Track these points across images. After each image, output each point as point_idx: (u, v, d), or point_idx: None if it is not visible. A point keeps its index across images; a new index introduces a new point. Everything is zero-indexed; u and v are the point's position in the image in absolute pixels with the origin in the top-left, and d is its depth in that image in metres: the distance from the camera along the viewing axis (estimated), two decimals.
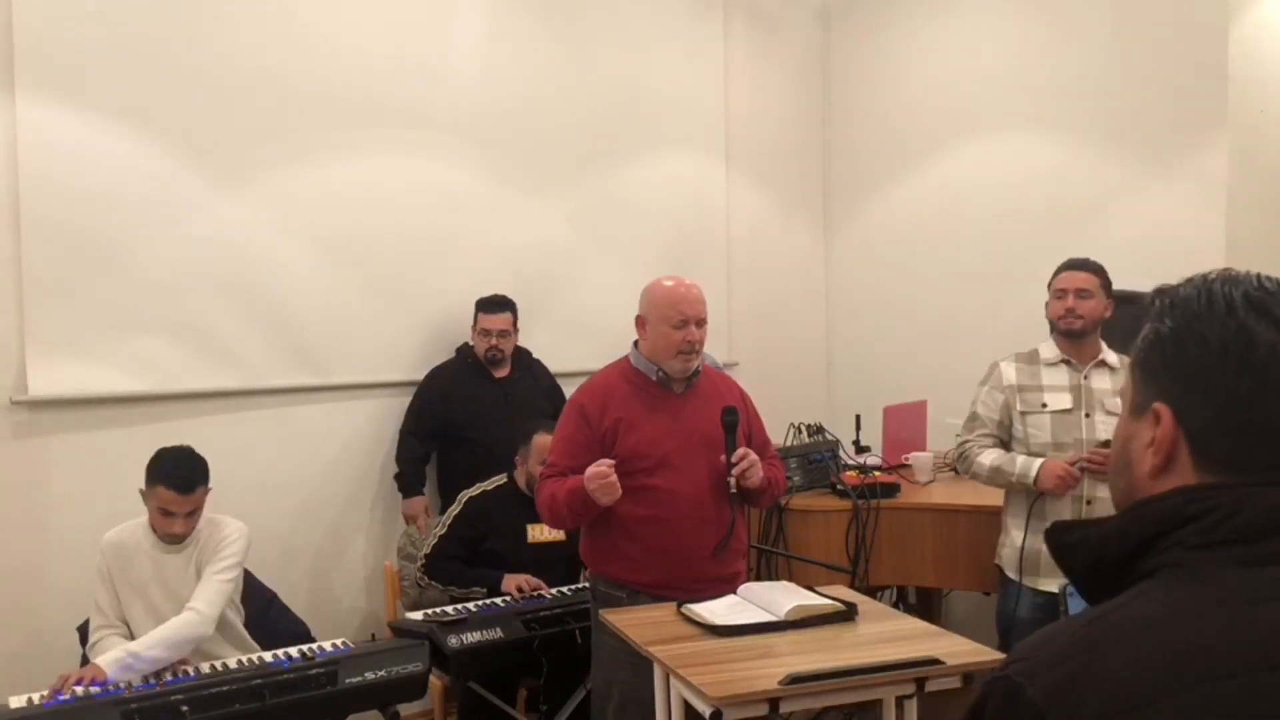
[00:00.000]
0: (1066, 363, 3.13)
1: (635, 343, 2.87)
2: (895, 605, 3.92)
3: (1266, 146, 4.12)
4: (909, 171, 5.19)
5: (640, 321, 2.83)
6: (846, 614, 2.46)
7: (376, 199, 4.06)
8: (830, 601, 2.50)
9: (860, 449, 4.25)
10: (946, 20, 5.01)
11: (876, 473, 3.86)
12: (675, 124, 4.97)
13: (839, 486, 3.75)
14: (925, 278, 5.08)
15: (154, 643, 2.73)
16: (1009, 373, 3.19)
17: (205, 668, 2.75)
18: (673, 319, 2.75)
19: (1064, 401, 3.09)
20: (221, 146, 3.70)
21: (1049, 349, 3.18)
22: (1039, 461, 3.03)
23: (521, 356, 4.22)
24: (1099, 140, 4.41)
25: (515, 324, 4.12)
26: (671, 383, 2.80)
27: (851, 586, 3.06)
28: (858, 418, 4.40)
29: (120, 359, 3.51)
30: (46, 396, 3.38)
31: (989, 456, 3.13)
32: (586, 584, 3.07)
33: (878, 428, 4.24)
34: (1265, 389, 0.81)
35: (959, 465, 3.32)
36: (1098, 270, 3.13)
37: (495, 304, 4.09)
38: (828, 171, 5.60)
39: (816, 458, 3.89)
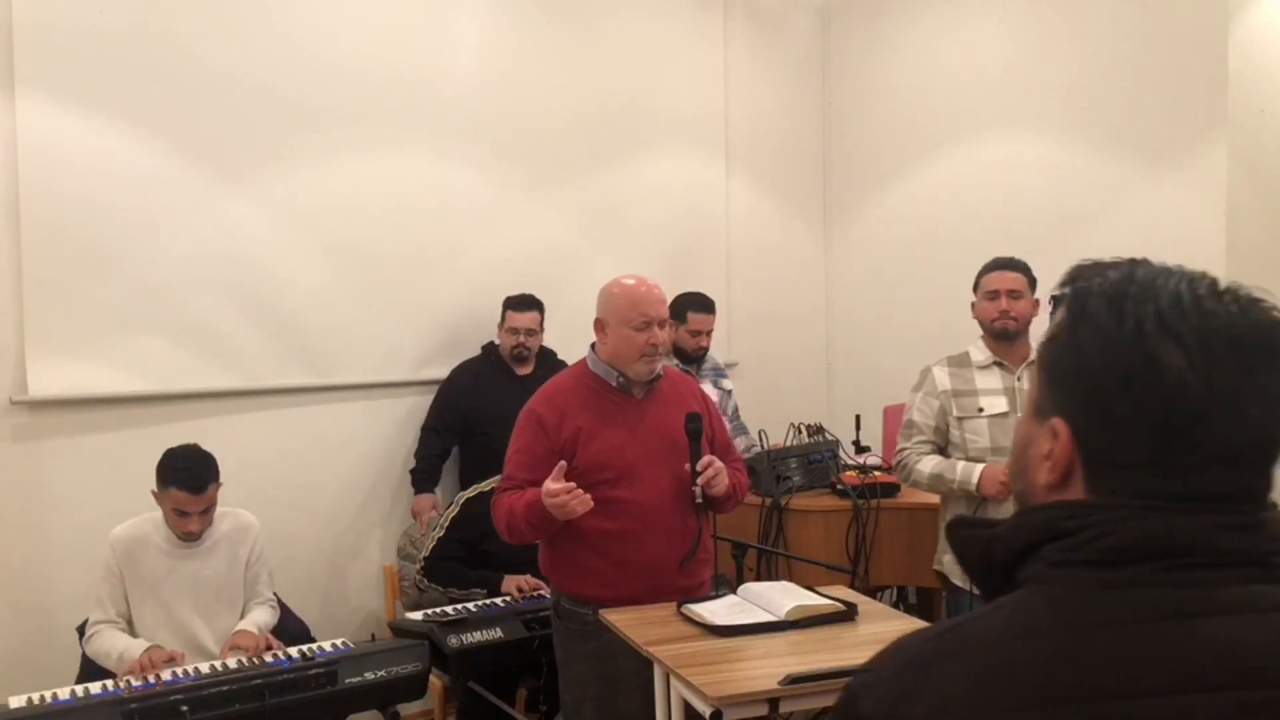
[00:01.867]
0: (999, 365, 3.10)
1: (592, 346, 2.76)
2: (895, 605, 3.92)
3: (1266, 146, 4.11)
4: (909, 171, 5.19)
5: (599, 324, 2.71)
6: (846, 614, 2.46)
7: (377, 200, 4.07)
8: (830, 601, 2.50)
9: (860, 449, 4.25)
10: (946, 20, 5.01)
11: (876, 473, 3.86)
12: (675, 124, 4.98)
13: (839, 486, 3.75)
14: (925, 278, 5.07)
15: (265, 625, 3.00)
16: (942, 378, 3.15)
17: (205, 668, 2.75)
18: (635, 321, 2.63)
19: (1000, 405, 3.05)
20: (222, 147, 3.70)
21: (980, 351, 3.14)
22: (979, 468, 3.00)
23: (546, 356, 4.23)
24: (1099, 140, 4.41)
25: (542, 323, 4.14)
26: (632, 387, 2.70)
27: (851, 586, 3.05)
28: (858, 418, 4.40)
29: (120, 359, 3.51)
30: (46, 397, 3.38)
31: (928, 464, 3.09)
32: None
33: (878, 428, 4.24)
34: (1168, 423, 0.75)
35: (899, 474, 3.28)
36: (1025, 269, 3.09)
37: (524, 302, 4.11)
38: (828, 171, 5.60)
39: (816, 458, 3.89)
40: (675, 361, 4.19)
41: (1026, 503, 0.85)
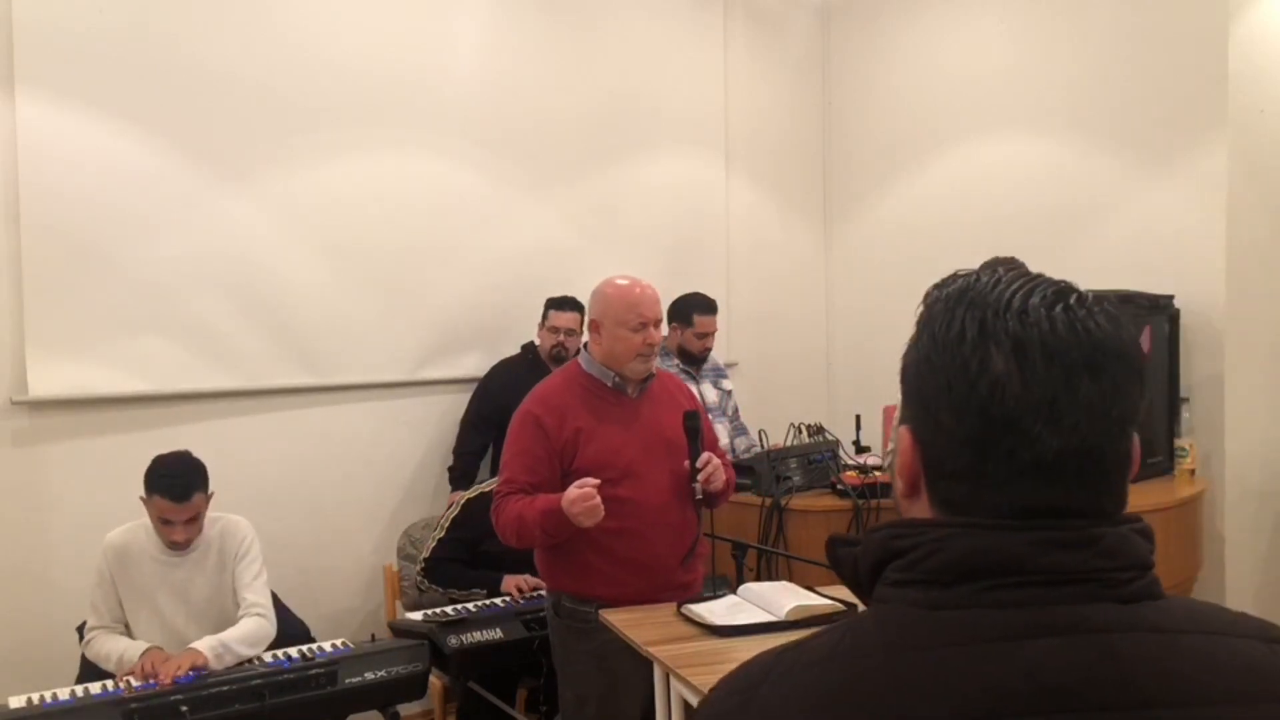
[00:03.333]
0: None
1: (585, 345, 2.78)
2: None
3: (1266, 146, 4.11)
4: (909, 171, 5.19)
5: (594, 325, 2.72)
6: (846, 614, 2.46)
7: (377, 199, 4.07)
8: (830, 601, 2.50)
9: (860, 449, 4.24)
10: (946, 20, 5.01)
11: (877, 473, 3.85)
12: (675, 124, 4.97)
13: (839, 486, 3.74)
14: (925, 277, 4.98)
15: (240, 639, 2.82)
16: None
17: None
18: (631, 322, 2.65)
19: None
20: (222, 146, 3.70)
21: None
22: None
23: None
24: (1099, 140, 4.41)
25: (581, 324, 4.15)
26: (627, 386, 2.72)
27: None
28: (858, 418, 4.39)
29: (120, 359, 3.51)
30: (46, 397, 3.38)
31: None
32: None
33: (878, 428, 4.23)
34: (983, 431, 0.74)
35: (891, 473, 3.26)
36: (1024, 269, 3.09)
37: (565, 302, 4.15)
38: (828, 171, 5.60)
39: (816, 458, 3.89)
40: (677, 363, 4.20)
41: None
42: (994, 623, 0.72)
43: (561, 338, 4.12)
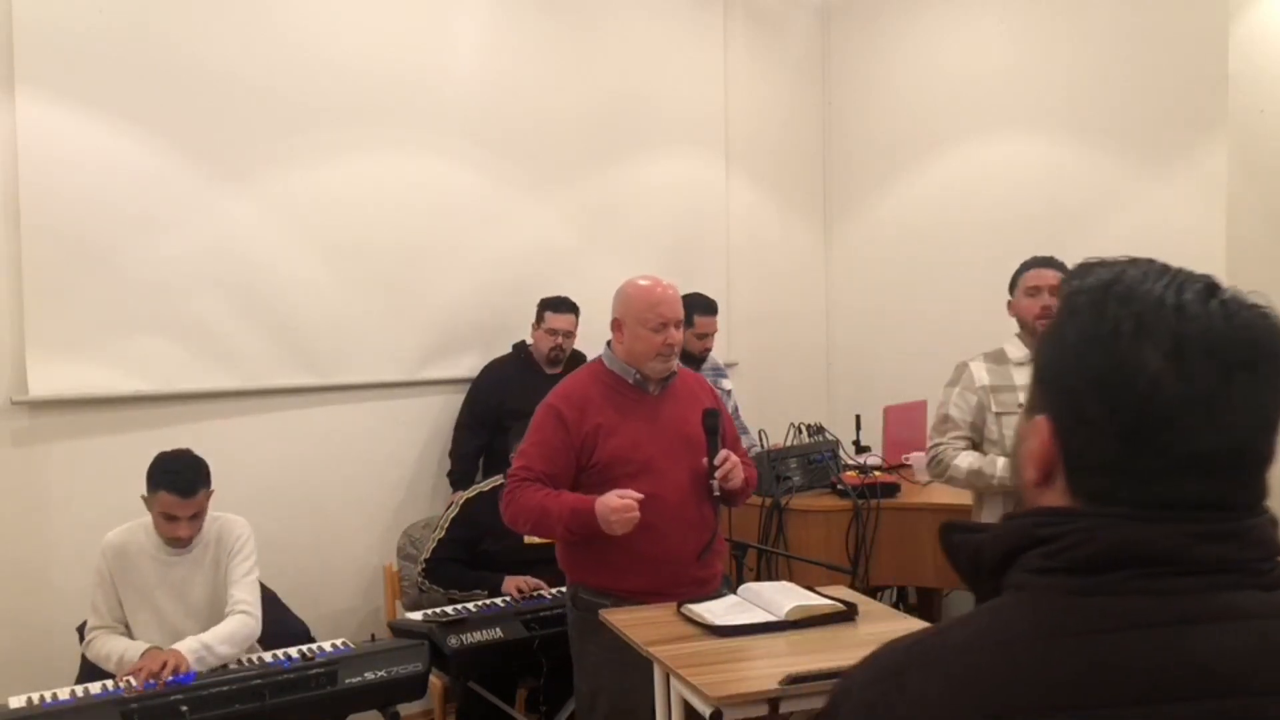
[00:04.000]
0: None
1: (608, 343, 2.82)
2: (895, 605, 3.92)
3: (1266, 146, 4.11)
4: (909, 171, 5.20)
5: (616, 324, 2.78)
6: (846, 614, 2.46)
7: (377, 199, 4.07)
8: (830, 602, 2.50)
9: (860, 449, 4.25)
10: (946, 20, 5.02)
11: (876, 473, 3.86)
12: (675, 124, 4.98)
13: (839, 486, 3.75)
14: (925, 277, 5.08)
15: (223, 639, 2.79)
16: (980, 373, 3.12)
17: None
18: (652, 322, 2.70)
19: None
20: (222, 146, 3.70)
21: (1016, 348, 3.12)
22: None
23: (576, 358, 4.24)
24: (1099, 140, 4.41)
25: (577, 326, 4.16)
26: (648, 384, 2.77)
27: (851, 586, 3.05)
28: (858, 418, 4.40)
29: (120, 359, 3.51)
30: (46, 397, 3.38)
31: (966, 459, 3.05)
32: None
33: (878, 428, 4.24)
34: (1138, 426, 0.74)
35: (931, 469, 3.23)
36: (1063, 268, 3.08)
37: (563, 304, 4.15)
38: (828, 171, 5.60)
39: (816, 458, 3.89)
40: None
41: (1022, 499, 0.85)
42: (1148, 609, 0.72)
43: (560, 339, 4.12)
